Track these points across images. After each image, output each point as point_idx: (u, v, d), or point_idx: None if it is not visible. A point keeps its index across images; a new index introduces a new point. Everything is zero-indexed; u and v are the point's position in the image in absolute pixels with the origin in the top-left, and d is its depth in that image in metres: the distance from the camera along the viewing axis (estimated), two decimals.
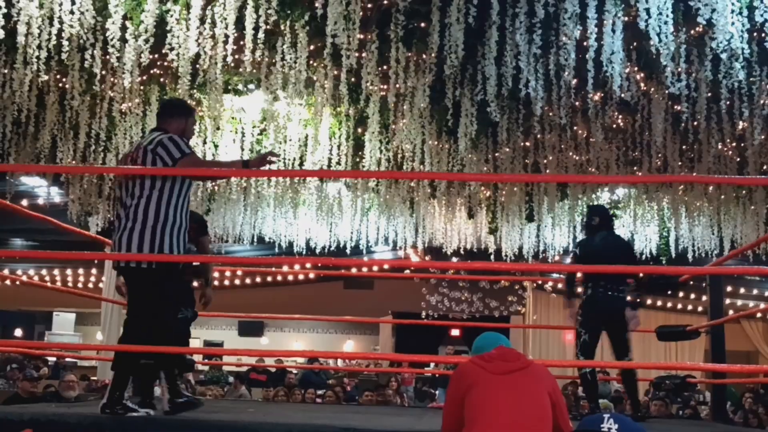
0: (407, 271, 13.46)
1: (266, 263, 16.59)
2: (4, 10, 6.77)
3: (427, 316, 18.14)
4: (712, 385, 9.20)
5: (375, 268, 11.60)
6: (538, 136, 9.43)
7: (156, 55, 7.68)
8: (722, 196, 11.17)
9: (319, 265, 15.07)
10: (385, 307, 17.61)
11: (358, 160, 9.96)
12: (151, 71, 8.43)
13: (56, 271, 19.65)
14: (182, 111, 5.57)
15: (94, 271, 19.01)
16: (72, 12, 6.84)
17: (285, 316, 10.97)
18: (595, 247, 7.00)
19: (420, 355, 7.12)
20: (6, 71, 7.99)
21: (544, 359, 18.64)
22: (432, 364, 13.39)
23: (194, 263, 6.25)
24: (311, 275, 17.37)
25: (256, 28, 7.00)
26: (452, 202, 11.80)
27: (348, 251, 13.47)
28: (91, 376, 14.12)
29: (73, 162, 9.76)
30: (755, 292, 17.73)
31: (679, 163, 9.83)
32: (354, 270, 13.45)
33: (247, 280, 18.85)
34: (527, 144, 9.81)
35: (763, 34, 6.54)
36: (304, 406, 9.78)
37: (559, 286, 18.36)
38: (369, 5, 7.18)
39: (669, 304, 18.83)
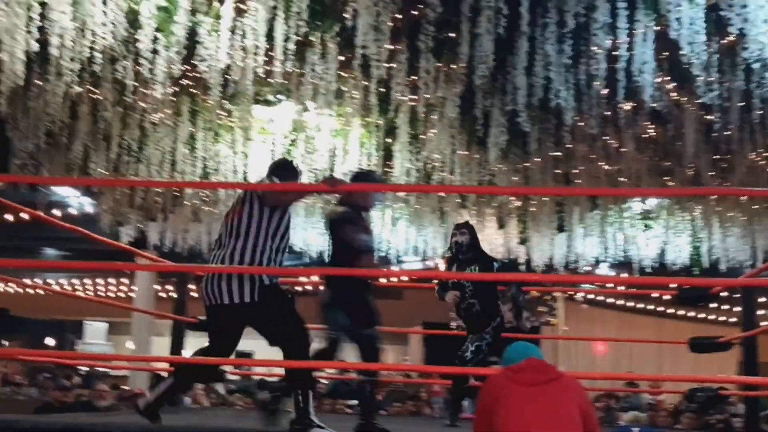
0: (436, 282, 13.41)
1: (296, 274, 16.50)
2: (39, 23, 6.84)
3: (458, 326, 18.07)
4: (745, 397, 9.12)
5: (404, 278, 11.57)
6: (569, 146, 9.38)
7: (187, 66, 7.73)
8: (755, 207, 11.05)
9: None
10: (414, 318, 17.57)
11: (387, 170, 9.96)
12: (182, 82, 8.48)
13: (87, 280, 19.81)
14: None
15: (125, 280, 19.14)
16: (104, 24, 6.91)
17: (314, 327, 10.90)
18: None
19: (448, 366, 7.10)
20: (40, 83, 8.06)
21: (574, 371, 18.57)
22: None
23: None
24: None
25: (287, 39, 7.03)
26: (482, 212, 11.76)
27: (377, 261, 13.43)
28: (122, 386, 14.21)
29: (105, 173, 9.83)
30: None
31: (711, 173, 9.74)
32: (383, 280, 13.43)
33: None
34: (558, 154, 9.76)
35: None
36: (341, 416, 9.77)
37: (590, 296, 18.34)
38: (399, 16, 7.18)
39: (701, 315, 18.68)
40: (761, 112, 7.41)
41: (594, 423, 3.71)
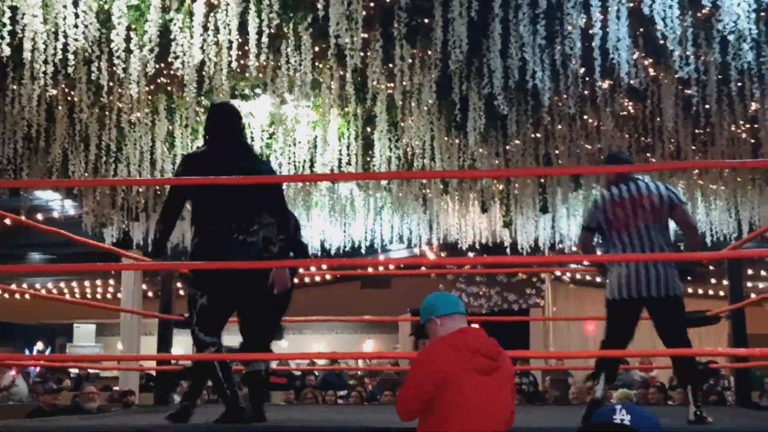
0: (423, 268, 13.45)
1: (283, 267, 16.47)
2: (10, 27, 6.79)
3: None
4: (735, 370, 9.15)
5: (391, 266, 11.59)
6: (548, 126, 9.39)
7: (162, 64, 7.69)
8: (738, 179, 11.08)
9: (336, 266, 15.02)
10: (403, 306, 17.58)
11: (368, 159, 9.95)
12: (158, 80, 8.44)
13: (74, 283, 19.75)
14: None
15: (111, 281, 19.08)
16: (76, 26, 6.86)
17: (303, 319, 10.93)
18: None
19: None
20: (14, 87, 8.01)
21: (565, 350, 18.64)
22: None
23: None
24: (328, 276, 17.36)
25: (260, 33, 7.00)
26: (465, 197, 11.75)
27: (363, 251, 13.46)
28: (114, 387, 14.17)
29: (85, 174, 9.78)
30: None
31: (693, 147, 9.76)
32: (370, 269, 13.43)
33: None
34: (538, 135, 9.76)
35: None
36: (332, 408, 9.78)
37: (578, 276, 18.37)
38: (371, 4, 7.17)
39: (690, 290, 18.74)
40: (739, 83, 7.41)
41: (514, 399, 3.80)
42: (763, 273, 17.30)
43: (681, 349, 5.69)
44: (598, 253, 6.37)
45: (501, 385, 3.60)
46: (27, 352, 20.92)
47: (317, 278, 17.90)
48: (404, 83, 7.94)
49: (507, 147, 9.75)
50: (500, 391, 3.60)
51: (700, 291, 18.62)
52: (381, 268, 12.70)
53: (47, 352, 21.51)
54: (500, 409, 3.58)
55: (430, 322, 3.80)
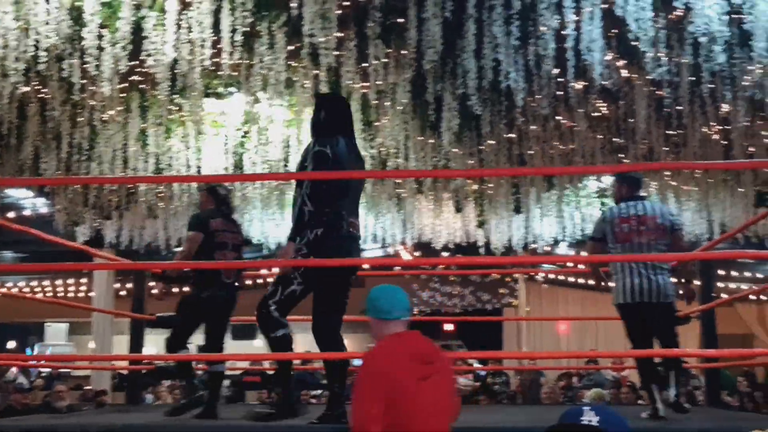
0: (397, 268, 13.44)
1: (256, 266, 16.41)
2: None
3: (420, 311, 18.12)
4: (705, 370, 9.23)
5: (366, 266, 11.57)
6: (522, 127, 9.41)
7: (135, 62, 7.63)
8: (710, 180, 11.16)
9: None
10: None
11: None
12: (131, 78, 8.38)
13: (46, 282, 19.61)
14: None
15: (84, 280, 18.96)
16: (48, 23, 6.80)
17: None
18: None
19: None
20: None
21: (538, 350, 18.72)
22: None
23: None
24: None
25: (233, 31, 6.96)
26: (439, 197, 11.77)
27: None
28: (86, 386, 14.09)
29: (58, 172, 9.70)
30: (747, 274, 17.75)
31: (665, 148, 9.82)
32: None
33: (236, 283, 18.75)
34: (512, 135, 9.79)
35: (741, 16, 6.51)
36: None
37: (551, 276, 18.44)
38: (345, 3, 7.15)
39: None
40: (711, 85, 7.46)
41: (455, 396, 3.82)
42: (734, 273, 17.44)
43: (652, 350, 5.97)
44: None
45: (441, 387, 3.59)
46: None
47: None
48: (378, 83, 7.94)
49: (481, 147, 9.77)
50: (441, 393, 3.59)
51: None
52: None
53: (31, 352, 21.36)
54: (443, 412, 3.58)
55: (373, 320, 3.79)
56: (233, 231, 6.99)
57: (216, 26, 6.96)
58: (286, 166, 9.87)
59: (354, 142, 5.59)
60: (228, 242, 6.85)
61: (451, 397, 3.69)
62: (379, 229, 12.89)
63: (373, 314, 3.77)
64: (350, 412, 3.72)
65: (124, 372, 12.20)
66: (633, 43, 6.70)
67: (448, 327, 21.01)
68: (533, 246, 13.55)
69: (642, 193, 6.79)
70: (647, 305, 6.33)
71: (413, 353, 3.56)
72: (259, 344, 21.66)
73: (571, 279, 19.35)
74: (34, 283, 19.94)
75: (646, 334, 6.42)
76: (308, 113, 9.06)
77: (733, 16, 6.50)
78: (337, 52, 7.40)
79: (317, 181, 5.31)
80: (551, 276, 18.04)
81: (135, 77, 8.40)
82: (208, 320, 6.75)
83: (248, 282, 17.51)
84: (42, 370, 15.90)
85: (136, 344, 8.60)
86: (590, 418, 2.25)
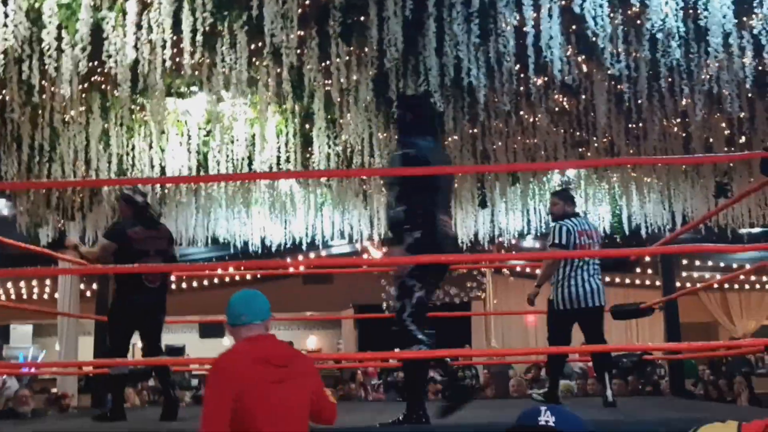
0: (365, 266, 13.49)
1: (217, 268, 16.40)
2: None
3: (389, 306, 18.14)
4: (669, 360, 9.34)
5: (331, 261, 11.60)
6: (485, 122, 9.46)
7: (95, 63, 7.58)
8: (670, 172, 11.28)
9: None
10: (346, 300, 17.61)
11: (307, 156, 9.94)
12: (91, 79, 8.32)
13: (10, 284, 19.39)
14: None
15: (48, 282, 18.77)
16: (5, 25, 6.74)
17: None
18: None
19: (374, 352, 7.18)
20: None
21: (506, 342, 18.81)
22: None
23: None
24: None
25: (194, 31, 6.93)
26: None
27: (304, 247, 13.44)
28: (52, 389, 13.98)
29: (18, 174, 9.60)
30: (710, 263, 17.97)
31: (626, 142, 9.93)
32: (306, 268, 13.36)
33: (205, 282, 18.70)
34: (475, 131, 9.84)
35: (697, 12, 6.60)
36: None
37: (518, 269, 18.52)
38: (306, 2, 7.15)
39: (627, 281, 19.02)
40: (669, 79, 7.55)
41: (326, 400, 3.82)
42: (697, 263, 17.64)
43: (610, 345, 6.15)
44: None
45: (297, 391, 3.59)
46: None
47: (258, 275, 17.81)
48: (341, 80, 7.95)
49: (445, 143, 9.81)
50: (297, 397, 3.59)
51: (638, 281, 18.92)
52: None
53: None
54: (297, 415, 3.58)
55: (227, 326, 3.79)
56: (156, 237, 6.97)
57: (177, 26, 6.92)
58: (250, 164, 9.86)
59: (439, 141, 5.63)
60: (149, 249, 6.83)
61: (306, 401, 3.66)
62: (347, 225, 12.92)
63: (228, 320, 3.76)
64: None
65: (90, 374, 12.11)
66: (592, 39, 6.77)
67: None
68: (499, 240, 13.64)
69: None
70: (584, 310, 7.24)
71: (263, 356, 3.56)
72: (227, 342, 21.58)
73: (538, 271, 19.40)
74: None
75: (570, 335, 7.39)
76: (272, 112, 9.08)
77: (689, 11, 6.60)
78: (299, 51, 7.41)
79: (404, 183, 5.37)
80: (518, 269, 18.10)
81: (96, 78, 8.35)
82: (138, 325, 6.77)
83: (216, 281, 17.47)
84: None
85: (102, 346, 8.56)
86: (547, 418, 2.29)
